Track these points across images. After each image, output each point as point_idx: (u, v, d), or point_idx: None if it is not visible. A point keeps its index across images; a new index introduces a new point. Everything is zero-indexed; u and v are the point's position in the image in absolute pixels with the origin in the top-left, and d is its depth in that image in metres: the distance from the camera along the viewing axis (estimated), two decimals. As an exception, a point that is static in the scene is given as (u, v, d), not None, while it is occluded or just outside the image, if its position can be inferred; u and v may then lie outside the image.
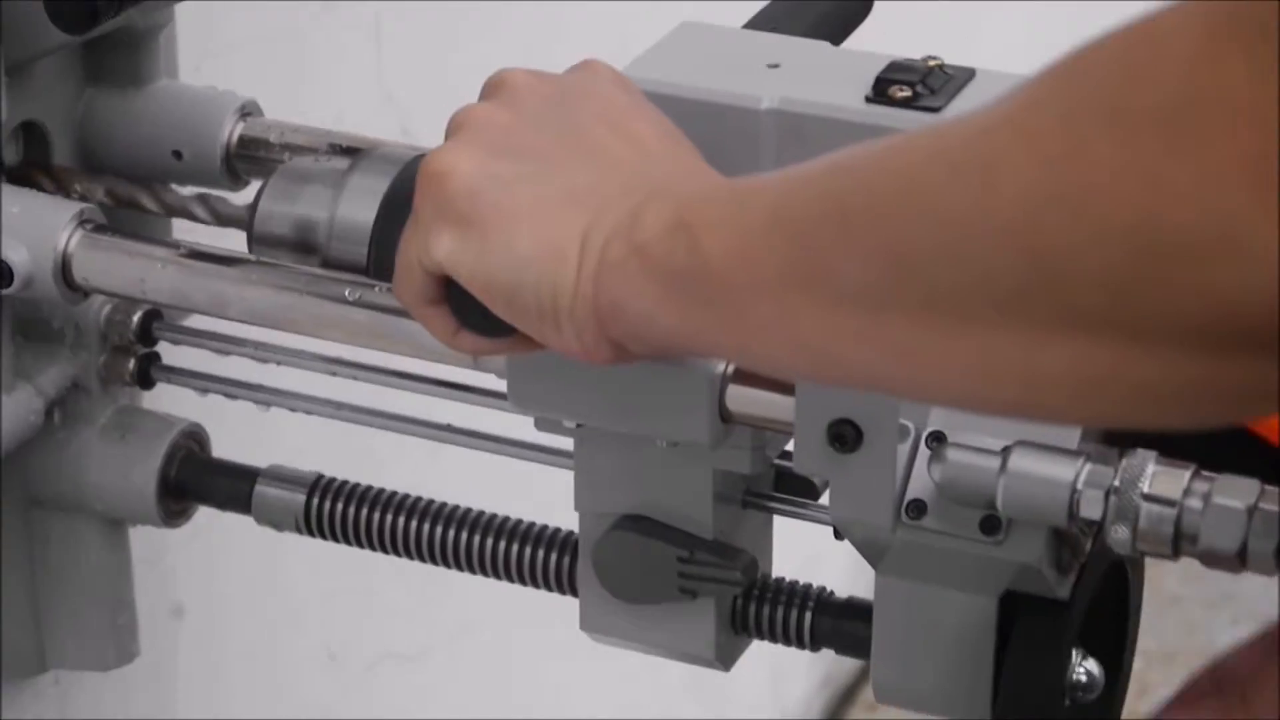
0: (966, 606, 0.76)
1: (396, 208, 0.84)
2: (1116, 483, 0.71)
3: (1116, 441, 0.74)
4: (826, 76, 0.75)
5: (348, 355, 0.92)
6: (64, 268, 0.89)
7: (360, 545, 0.92)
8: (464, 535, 0.89)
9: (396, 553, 0.91)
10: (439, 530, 0.90)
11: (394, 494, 0.91)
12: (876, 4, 0.86)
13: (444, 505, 0.90)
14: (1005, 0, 1.84)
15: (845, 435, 0.74)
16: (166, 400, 1.00)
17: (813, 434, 0.74)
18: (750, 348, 0.64)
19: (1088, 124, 0.53)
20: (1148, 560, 0.79)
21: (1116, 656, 0.81)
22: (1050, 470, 0.72)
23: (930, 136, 0.59)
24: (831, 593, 0.85)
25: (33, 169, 0.95)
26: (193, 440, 0.97)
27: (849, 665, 2.01)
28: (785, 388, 0.76)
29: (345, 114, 1.00)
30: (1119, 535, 0.71)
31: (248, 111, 0.96)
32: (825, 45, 0.78)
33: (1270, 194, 0.50)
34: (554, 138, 0.70)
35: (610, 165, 0.69)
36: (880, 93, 0.74)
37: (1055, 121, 0.54)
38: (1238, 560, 0.69)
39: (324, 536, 0.93)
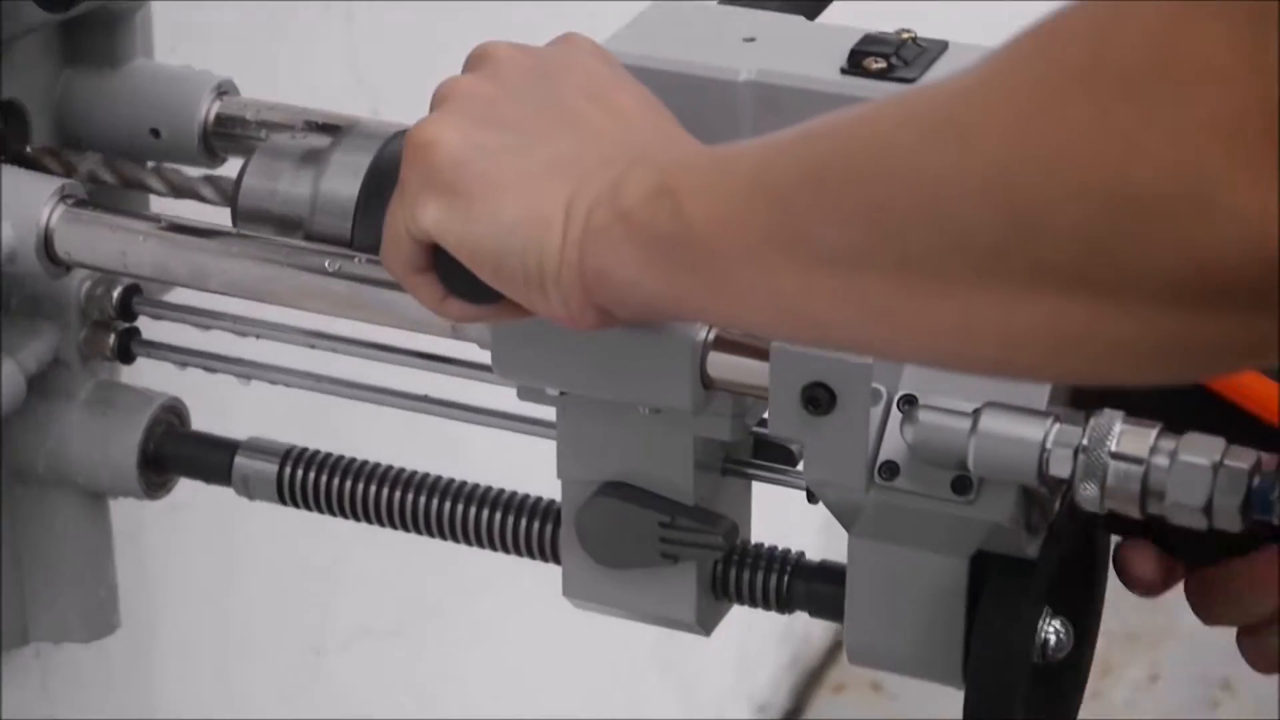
0: (938, 567, 0.78)
1: (379, 182, 0.86)
2: (1085, 441, 0.72)
3: (1084, 404, 0.75)
4: (802, 49, 0.76)
5: (326, 328, 0.93)
6: (46, 242, 0.91)
7: (344, 516, 0.93)
8: (449, 505, 0.90)
9: (380, 523, 0.92)
10: (424, 500, 0.91)
11: (377, 465, 0.93)
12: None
13: (428, 475, 0.92)
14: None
15: (819, 398, 0.76)
16: (144, 379, 1.01)
17: (787, 398, 0.76)
18: (733, 311, 0.66)
19: (1062, 84, 0.54)
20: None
21: (1085, 618, 0.83)
22: (1020, 430, 0.73)
23: (906, 101, 0.60)
24: (803, 554, 0.86)
25: (12, 147, 0.96)
26: (173, 414, 0.98)
27: (816, 647, 2.03)
28: (764, 354, 0.77)
29: (316, 96, 1.01)
30: (1088, 493, 0.72)
31: (224, 90, 0.97)
32: (800, 19, 0.80)
33: (1241, 151, 0.51)
34: (537, 109, 0.72)
35: (593, 135, 0.71)
36: (855, 65, 0.75)
37: (1030, 82, 0.55)
38: (1204, 515, 0.71)
39: (305, 507, 0.94)
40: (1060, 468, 0.73)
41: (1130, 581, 0.80)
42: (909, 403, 0.76)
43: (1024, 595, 0.78)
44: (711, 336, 0.78)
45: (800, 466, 0.82)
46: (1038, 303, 0.57)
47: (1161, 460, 0.71)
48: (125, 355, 0.98)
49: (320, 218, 0.87)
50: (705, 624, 0.86)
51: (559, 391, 0.82)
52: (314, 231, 0.87)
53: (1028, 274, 0.56)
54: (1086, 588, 0.84)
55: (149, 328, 0.98)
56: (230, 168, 0.94)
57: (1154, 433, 0.72)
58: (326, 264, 0.87)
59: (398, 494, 0.91)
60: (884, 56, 0.75)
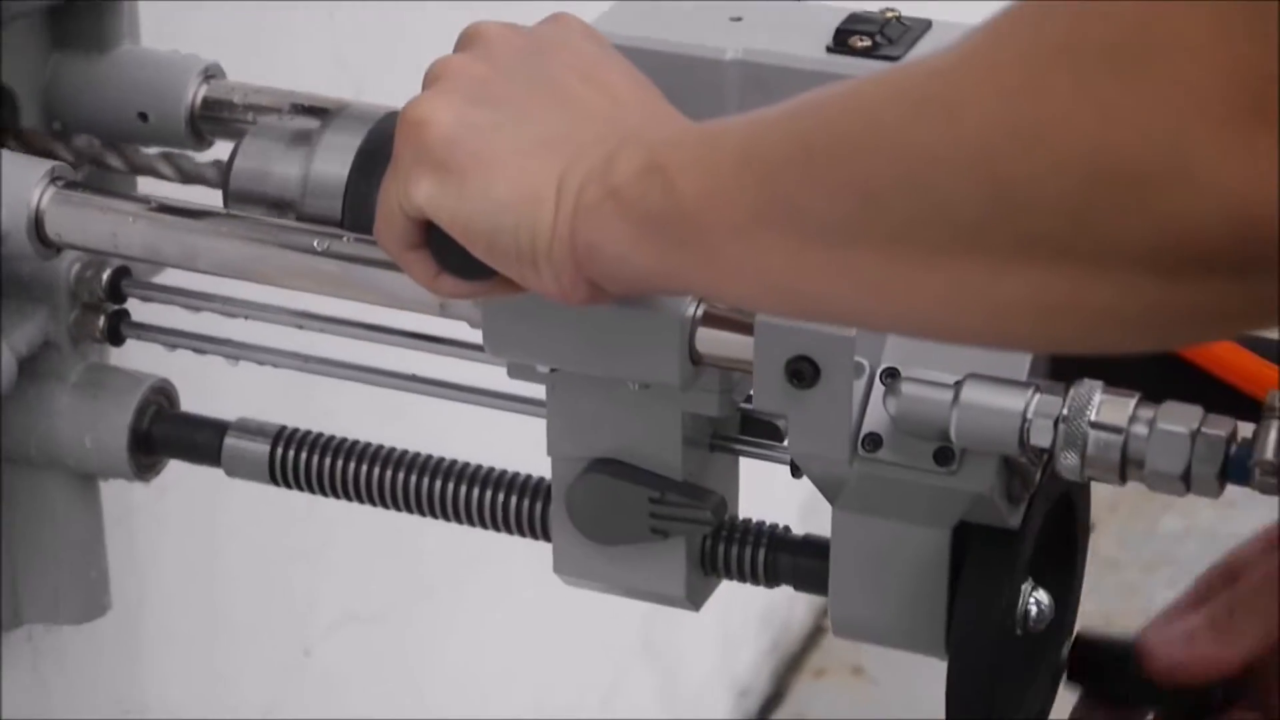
0: (921, 539, 0.79)
1: (369, 163, 0.87)
2: (1065, 411, 0.73)
3: (1063, 375, 0.77)
4: (788, 28, 0.78)
5: (314, 308, 0.94)
6: (37, 224, 0.91)
7: (335, 496, 0.94)
8: (440, 483, 0.91)
9: (371, 503, 0.93)
10: (416, 479, 0.92)
11: (367, 444, 0.93)
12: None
13: (419, 454, 0.92)
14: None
15: (803, 372, 0.77)
16: (133, 361, 1.02)
17: (771, 371, 0.77)
18: (723, 285, 0.67)
19: (1045, 58, 0.55)
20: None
21: (1066, 589, 0.84)
22: (1001, 401, 0.74)
23: (892, 77, 0.61)
24: (788, 529, 0.88)
25: (2, 132, 0.97)
26: (162, 395, 0.99)
27: (796, 632, 2.04)
28: (751, 329, 0.78)
29: (299, 80, 1.02)
30: (1068, 462, 0.74)
31: (211, 74, 0.98)
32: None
33: (1220, 123, 0.53)
34: (528, 87, 0.73)
35: (583, 113, 0.72)
36: (841, 43, 0.76)
37: (1014, 57, 0.56)
38: (1182, 482, 0.72)
39: (296, 487, 0.95)
40: (1041, 437, 0.74)
41: None
42: (891, 375, 0.78)
43: (1006, 566, 0.79)
44: (700, 312, 0.79)
45: (786, 442, 0.83)
46: (1023, 273, 0.58)
47: (1140, 429, 0.72)
48: (115, 337, 0.99)
49: (311, 199, 0.88)
50: (695, 599, 0.87)
51: (549, 369, 0.83)
52: (305, 212, 0.88)
53: (1012, 245, 0.58)
54: (1067, 558, 0.85)
55: (138, 309, 0.99)
56: (220, 151, 0.95)
57: (1133, 402, 0.73)
58: (315, 243, 0.87)
59: (389, 473, 0.92)
60: (869, 35, 0.76)
